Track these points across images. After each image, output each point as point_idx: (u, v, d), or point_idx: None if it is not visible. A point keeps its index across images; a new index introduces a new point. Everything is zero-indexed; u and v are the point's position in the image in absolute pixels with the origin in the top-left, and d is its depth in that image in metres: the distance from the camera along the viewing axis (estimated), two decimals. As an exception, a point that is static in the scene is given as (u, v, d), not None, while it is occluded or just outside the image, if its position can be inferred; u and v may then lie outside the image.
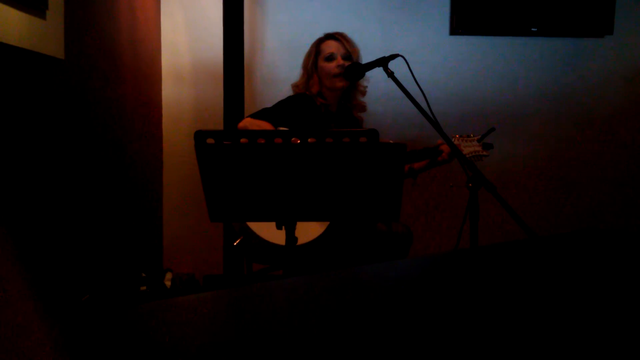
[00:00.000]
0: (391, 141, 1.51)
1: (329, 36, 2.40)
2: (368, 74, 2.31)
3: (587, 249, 1.13)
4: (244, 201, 1.52)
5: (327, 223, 2.07)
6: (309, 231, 2.03)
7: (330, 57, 2.35)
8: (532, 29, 3.35)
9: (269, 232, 2.03)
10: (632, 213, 3.54)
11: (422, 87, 2.08)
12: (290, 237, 1.57)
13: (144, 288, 2.67)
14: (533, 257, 1.09)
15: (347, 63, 2.33)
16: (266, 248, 2.07)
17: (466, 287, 0.88)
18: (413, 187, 2.44)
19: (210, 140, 1.44)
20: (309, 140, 1.43)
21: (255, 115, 2.24)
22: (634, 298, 0.82)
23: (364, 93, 2.47)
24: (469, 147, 2.37)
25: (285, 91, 2.48)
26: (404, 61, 2.11)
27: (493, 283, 0.90)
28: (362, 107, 2.49)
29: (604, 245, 1.18)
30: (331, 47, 2.36)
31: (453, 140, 2.36)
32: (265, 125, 2.18)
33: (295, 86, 2.44)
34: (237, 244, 2.10)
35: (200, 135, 1.44)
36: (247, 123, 2.20)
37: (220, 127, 2.99)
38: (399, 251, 2.34)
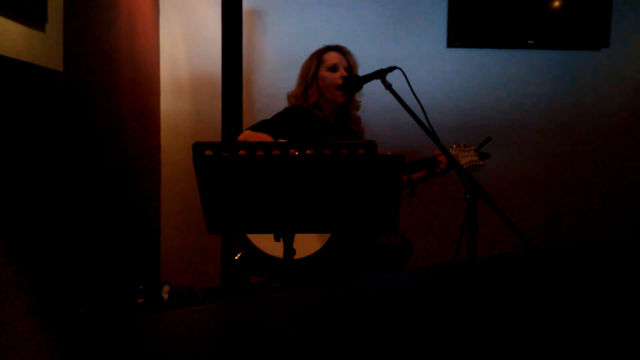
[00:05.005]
0: (389, 153, 1.51)
1: (332, 48, 2.40)
2: (366, 86, 2.32)
3: (585, 261, 1.13)
4: (242, 213, 1.52)
5: (326, 238, 2.06)
6: (307, 246, 2.03)
7: (334, 68, 2.35)
8: (529, 42, 3.37)
9: (269, 245, 2.03)
10: (630, 225, 3.54)
11: (419, 99, 2.09)
12: (288, 249, 1.57)
13: (141, 301, 2.65)
14: (531, 269, 1.09)
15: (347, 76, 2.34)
16: (266, 261, 2.06)
17: (464, 299, 0.88)
18: (411, 198, 2.43)
19: (208, 152, 1.44)
20: (307, 152, 1.44)
21: (254, 128, 2.24)
22: (633, 310, 0.82)
23: (358, 108, 2.47)
24: (466, 157, 2.38)
25: (283, 104, 2.48)
26: (401, 73, 2.12)
27: (491, 295, 0.90)
28: (357, 121, 2.49)
29: (602, 257, 1.18)
30: (334, 58, 2.36)
31: (450, 150, 2.36)
32: (265, 138, 2.18)
33: (292, 96, 2.43)
34: (238, 258, 2.10)
35: (198, 147, 1.44)
36: (247, 136, 2.20)
37: (219, 139, 2.99)
38: (397, 264, 2.33)
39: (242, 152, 1.45)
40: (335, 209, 1.50)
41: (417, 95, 2.10)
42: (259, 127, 2.24)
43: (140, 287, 2.73)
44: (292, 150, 1.44)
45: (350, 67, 2.38)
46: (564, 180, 3.52)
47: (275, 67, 3.32)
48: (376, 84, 2.21)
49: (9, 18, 1.69)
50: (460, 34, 3.34)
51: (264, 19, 3.34)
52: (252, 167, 1.46)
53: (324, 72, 2.35)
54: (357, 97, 2.45)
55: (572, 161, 3.52)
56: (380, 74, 2.16)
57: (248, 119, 3.05)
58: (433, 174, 2.40)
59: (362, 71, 2.38)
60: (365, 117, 2.58)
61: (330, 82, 2.33)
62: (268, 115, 2.36)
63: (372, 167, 1.45)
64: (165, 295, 2.87)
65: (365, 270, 2.25)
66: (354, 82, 2.29)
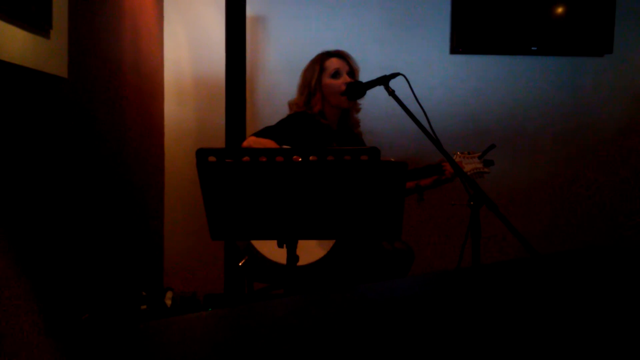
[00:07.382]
0: (392, 159, 1.51)
1: (332, 54, 2.39)
2: (369, 92, 2.31)
3: (589, 267, 1.13)
4: (245, 220, 1.52)
5: (330, 245, 2.06)
6: (311, 252, 2.03)
7: (336, 75, 2.34)
8: (532, 48, 3.37)
9: (273, 251, 2.03)
10: (634, 230, 3.53)
11: (422, 105, 2.09)
12: (292, 255, 1.57)
13: (144, 307, 2.65)
14: (535, 275, 1.09)
15: (351, 80, 2.33)
16: (270, 268, 2.06)
17: (468, 305, 0.87)
18: (419, 204, 2.42)
19: (211, 159, 1.45)
20: (310, 158, 1.44)
21: (258, 134, 2.24)
22: (636, 315, 0.81)
23: (358, 110, 2.48)
24: (470, 164, 2.38)
25: (287, 109, 2.48)
26: (404, 80, 2.12)
27: (495, 301, 0.90)
28: (357, 124, 2.49)
29: (606, 263, 1.17)
30: (336, 64, 2.35)
31: (454, 157, 2.36)
32: (269, 144, 2.18)
33: (294, 104, 2.41)
34: (242, 264, 2.09)
35: (201, 154, 1.44)
36: (251, 142, 2.20)
37: (222, 145, 3.00)
38: (400, 269, 2.33)
39: (245, 158, 1.45)
40: (338, 215, 1.50)
41: (420, 101, 2.10)
42: (263, 133, 2.24)
43: (144, 294, 2.73)
44: (295, 157, 1.44)
45: (352, 70, 2.37)
46: (568, 186, 3.51)
47: (279, 73, 3.33)
48: (379, 90, 2.21)
49: (14, 24, 1.69)
50: (463, 40, 3.35)
51: (267, 25, 3.35)
52: (255, 174, 1.46)
53: (327, 80, 2.35)
54: (359, 99, 2.45)
55: (575, 167, 3.51)
56: (383, 81, 2.16)
57: (251, 125, 3.06)
58: (440, 181, 2.39)
59: (364, 77, 2.38)
60: (368, 123, 2.58)
61: (334, 89, 2.33)
62: (272, 121, 2.36)
63: (375, 174, 1.45)
64: (169, 302, 2.87)
65: (369, 276, 2.24)
66: (357, 88, 2.29)
